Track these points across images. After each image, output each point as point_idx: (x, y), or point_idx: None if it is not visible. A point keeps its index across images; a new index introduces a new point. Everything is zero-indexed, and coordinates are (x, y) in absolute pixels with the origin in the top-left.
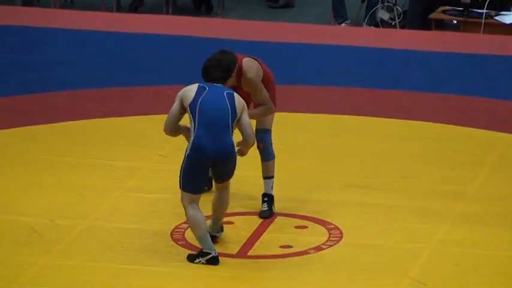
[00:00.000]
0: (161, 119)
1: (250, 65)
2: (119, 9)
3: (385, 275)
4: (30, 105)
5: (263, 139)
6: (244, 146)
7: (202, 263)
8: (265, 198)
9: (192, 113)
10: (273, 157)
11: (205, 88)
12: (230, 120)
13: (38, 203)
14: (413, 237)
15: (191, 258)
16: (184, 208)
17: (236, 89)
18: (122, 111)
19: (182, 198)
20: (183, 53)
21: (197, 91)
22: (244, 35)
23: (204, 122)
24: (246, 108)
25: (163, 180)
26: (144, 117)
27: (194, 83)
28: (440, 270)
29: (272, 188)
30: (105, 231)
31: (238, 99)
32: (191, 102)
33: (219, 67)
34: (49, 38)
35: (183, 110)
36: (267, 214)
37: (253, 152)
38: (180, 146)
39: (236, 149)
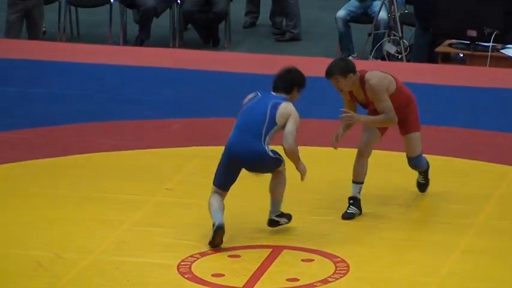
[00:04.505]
0: (168, 153)
1: (374, 73)
2: (126, 42)
3: None
4: (37, 139)
5: (416, 165)
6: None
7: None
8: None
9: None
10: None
11: (258, 95)
12: (264, 129)
13: (44, 236)
14: (420, 270)
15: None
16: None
17: (366, 104)
18: (129, 144)
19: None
20: (190, 87)
21: (251, 97)
22: (251, 68)
23: (239, 125)
24: (295, 117)
25: (170, 213)
26: (151, 150)
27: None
28: None
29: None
30: (111, 265)
31: (282, 109)
32: (242, 107)
33: (285, 78)
34: (56, 72)
35: None
36: None
37: (255, 184)
38: (187, 179)
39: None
